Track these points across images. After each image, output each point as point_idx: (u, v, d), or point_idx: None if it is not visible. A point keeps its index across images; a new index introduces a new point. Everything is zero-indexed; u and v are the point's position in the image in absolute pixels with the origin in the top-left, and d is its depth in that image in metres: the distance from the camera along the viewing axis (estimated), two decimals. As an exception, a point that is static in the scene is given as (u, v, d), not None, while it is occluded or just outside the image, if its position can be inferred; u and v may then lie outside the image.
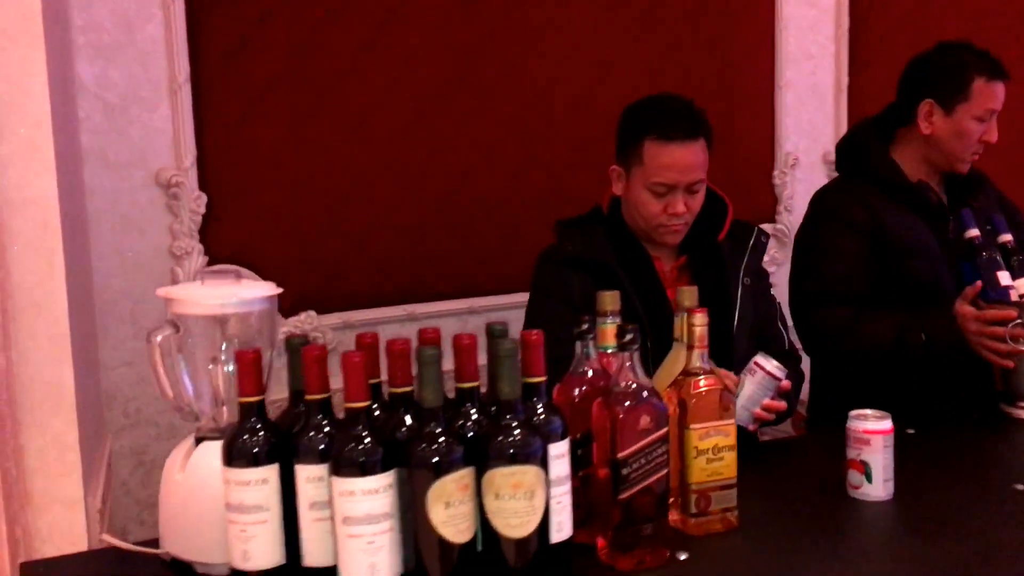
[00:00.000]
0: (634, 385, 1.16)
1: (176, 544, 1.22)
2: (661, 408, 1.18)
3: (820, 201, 2.15)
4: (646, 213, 1.79)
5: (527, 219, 2.67)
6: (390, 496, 1.01)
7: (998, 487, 1.47)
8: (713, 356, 1.41)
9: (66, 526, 1.51)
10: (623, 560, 1.17)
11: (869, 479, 1.38)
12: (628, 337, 1.17)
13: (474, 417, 1.07)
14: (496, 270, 2.64)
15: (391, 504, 1.01)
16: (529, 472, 1.02)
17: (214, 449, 1.20)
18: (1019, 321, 1.73)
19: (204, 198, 2.23)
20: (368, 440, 1.01)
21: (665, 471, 1.19)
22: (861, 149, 2.10)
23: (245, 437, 1.07)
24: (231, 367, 1.22)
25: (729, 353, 1.76)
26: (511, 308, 2.62)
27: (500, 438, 1.02)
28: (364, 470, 1.00)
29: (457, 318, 2.58)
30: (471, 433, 1.05)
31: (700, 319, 1.29)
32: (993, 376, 1.89)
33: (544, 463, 1.03)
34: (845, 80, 3.11)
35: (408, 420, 1.06)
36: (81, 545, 1.52)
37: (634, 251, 1.84)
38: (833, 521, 1.36)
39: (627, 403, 1.15)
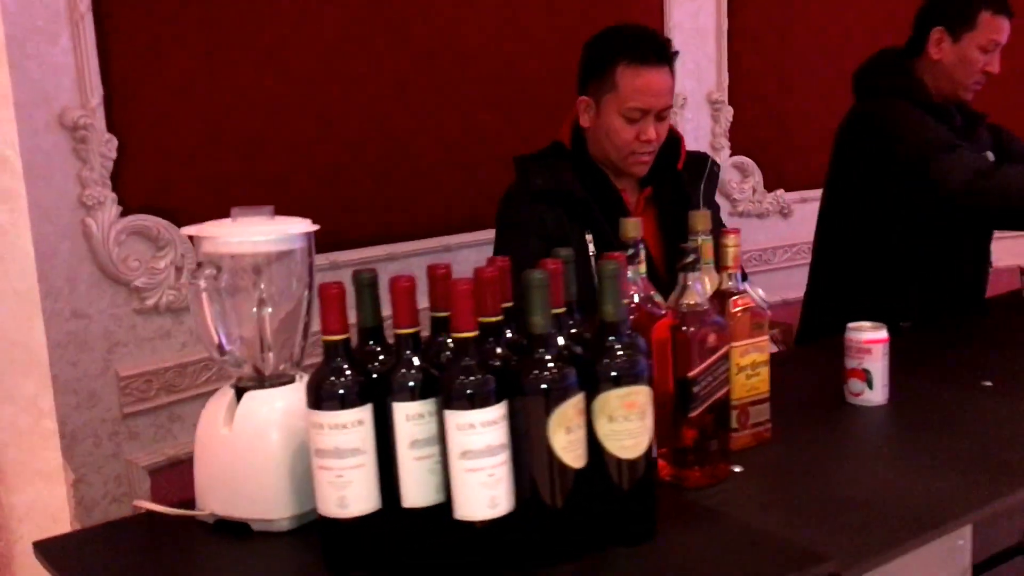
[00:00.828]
0: (699, 304, 1.18)
1: (225, 503, 1.13)
2: (723, 326, 1.21)
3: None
4: (619, 141, 1.80)
5: (449, 159, 2.63)
6: (506, 426, 0.98)
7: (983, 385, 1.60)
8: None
9: (45, 503, 1.36)
10: (693, 476, 1.19)
11: (870, 386, 1.48)
12: (691, 258, 1.18)
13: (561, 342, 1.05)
14: (420, 213, 2.59)
15: (507, 434, 0.98)
16: (641, 392, 1.02)
17: (261, 398, 1.12)
18: None
19: (115, 141, 2.02)
20: (481, 370, 0.97)
21: (727, 387, 1.22)
22: (894, 70, 2.23)
23: (335, 377, 1.00)
24: (269, 310, 1.13)
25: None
26: (429, 252, 2.59)
27: (608, 360, 1.01)
28: (481, 402, 0.96)
29: (389, 263, 2.52)
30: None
31: (733, 239, 1.32)
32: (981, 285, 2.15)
33: (650, 381, 1.03)
34: (725, 23, 3.23)
35: (499, 349, 1.03)
36: (63, 524, 1.38)
37: (602, 184, 1.86)
38: (845, 426, 1.45)
39: (696, 323, 1.17)
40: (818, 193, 2.44)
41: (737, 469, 1.25)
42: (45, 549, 1.13)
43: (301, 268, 1.15)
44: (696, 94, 3.22)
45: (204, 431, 1.15)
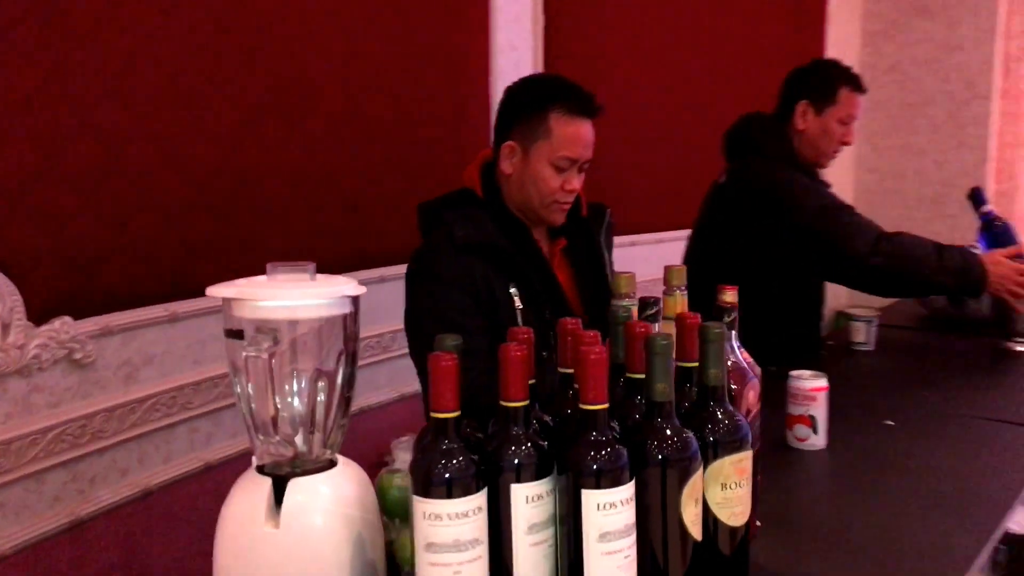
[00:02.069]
0: (741, 362, 1.19)
1: (267, 613, 0.96)
2: (758, 384, 1.23)
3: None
4: (545, 188, 1.77)
5: (295, 197, 2.46)
6: (633, 503, 0.92)
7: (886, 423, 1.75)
8: (599, 325, 1.54)
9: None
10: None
11: (815, 431, 1.57)
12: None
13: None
14: (265, 255, 2.38)
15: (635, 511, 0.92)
16: (748, 457, 1.01)
17: (311, 487, 0.98)
18: None
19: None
20: (614, 445, 0.91)
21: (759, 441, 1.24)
22: (774, 134, 2.41)
23: (452, 460, 0.89)
24: (322, 383, 0.98)
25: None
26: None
27: (718, 426, 0.99)
28: (620, 479, 0.90)
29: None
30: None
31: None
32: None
33: (753, 444, 1.03)
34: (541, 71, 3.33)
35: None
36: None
37: (521, 235, 1.83)
38: (806, 470, 1.52)
39: (740, 381, 1.18)
40: (633, 238, 2.58)
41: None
42: None
43: (352, 333, 1.01)
44: (517, 141, 3.28)
45: (236, 530, 0.97)
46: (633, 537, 0.91)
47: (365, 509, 1.00)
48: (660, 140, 3.77)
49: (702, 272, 2.39)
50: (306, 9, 2.48)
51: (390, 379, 2.84)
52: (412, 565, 0.97)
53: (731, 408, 1.01)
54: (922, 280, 2.24)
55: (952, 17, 4.28)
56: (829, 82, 2.41)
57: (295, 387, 0.97)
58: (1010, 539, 2.22)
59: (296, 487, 0.96)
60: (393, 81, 2.76)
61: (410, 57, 2.80)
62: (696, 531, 0.95)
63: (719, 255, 2.44)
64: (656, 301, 1.19)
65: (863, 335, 2.45)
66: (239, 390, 0.95)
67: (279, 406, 0.95)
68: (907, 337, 2.69)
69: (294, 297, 0.93)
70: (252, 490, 0.98)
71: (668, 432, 0.93)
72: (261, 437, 0.96)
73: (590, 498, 0.89)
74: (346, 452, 2.70)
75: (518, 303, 1.75)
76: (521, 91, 1.83)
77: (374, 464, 2.76)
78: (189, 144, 2.20)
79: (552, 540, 0.92)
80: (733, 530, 1.00)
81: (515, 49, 3.21)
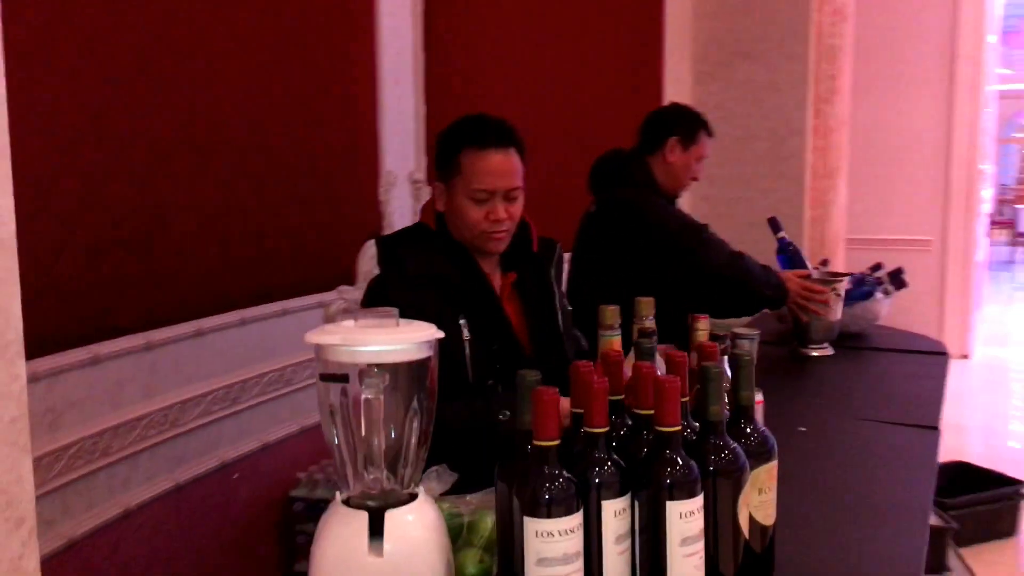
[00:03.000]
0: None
1: (374, 637, 1.02)
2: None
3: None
4: (469, 221, 1.84)
5: (211, 233, 2.44)
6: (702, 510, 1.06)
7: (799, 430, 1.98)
8: (547, 359, 1.77)
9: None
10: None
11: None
12: (653, 340, 1.35)
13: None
14: (177, 293, 2.35)
15: (701, 517, 1.07)
16: (775, 464, 1.17)
17: (412, 517, 1.06)
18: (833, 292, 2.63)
19: None
20: (688, 461, 1.05)
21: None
22: (639, 167, 2.72)
23: (558, 483, 0.99)
24: (416, 420, 1.06)
25: (562, 355, 1.97)
26: (183, 339, 2.36)
27: (754, 439, 1.15)
28: (694, 490, 1.04)
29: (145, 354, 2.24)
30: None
31: (704, 323, 1.52)
32: None
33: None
34: (423, 107, 3.43)
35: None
36: None
37: (470, 268, 1.92)
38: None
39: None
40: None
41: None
42: None
43: (430, 373, 1.09)
44: (401, 174, 3.36)
45: (336, 556, 1.02)
46: (703, 540, 1.05)
47: (443, 535, 1.09)
48: (528, 171, 3.96)
49: (584, 296, 2.61)
50: (214, 47, 2.47)
51: (292, 412, 2.84)
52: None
53: (758, 423, 1.17)
54: (757, 294, 2.64)
55: (770, 62, 4.77)
56: (694, 125, 2.79)
57: (390, 424, 1.04)
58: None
59: (393, 519, 1.03)
60: (293, 116, 2.79)
61: (307, 92, 2.84)
62: (746, 531, 1.10)
63: (599, 280, 2.67)
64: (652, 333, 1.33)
65: (747, 351, 2.73)
66: (336, 430, 1.01)
67: (381, 443, 1.02)
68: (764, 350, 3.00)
69: (403, 341, 1.00)
70: (347, 523, 1.04)
71: (723, 447, 1.08)
72: (360, 473, 1.03)
73: (673, 508, 1.02)
74: (253, 487, 2.67)
75: (466, 334, 1.83)
76: (441, 135, 1.93)
77: (281, 499, 2.76)
78: (107, 183, 2.15)
79: (630, 548, 1.05)
80: (765, 529, 1.16)
81: (399, 84, 3.30)
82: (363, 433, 1.00)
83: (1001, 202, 16.68)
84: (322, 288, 2.97)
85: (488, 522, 1.21)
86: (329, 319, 2.98)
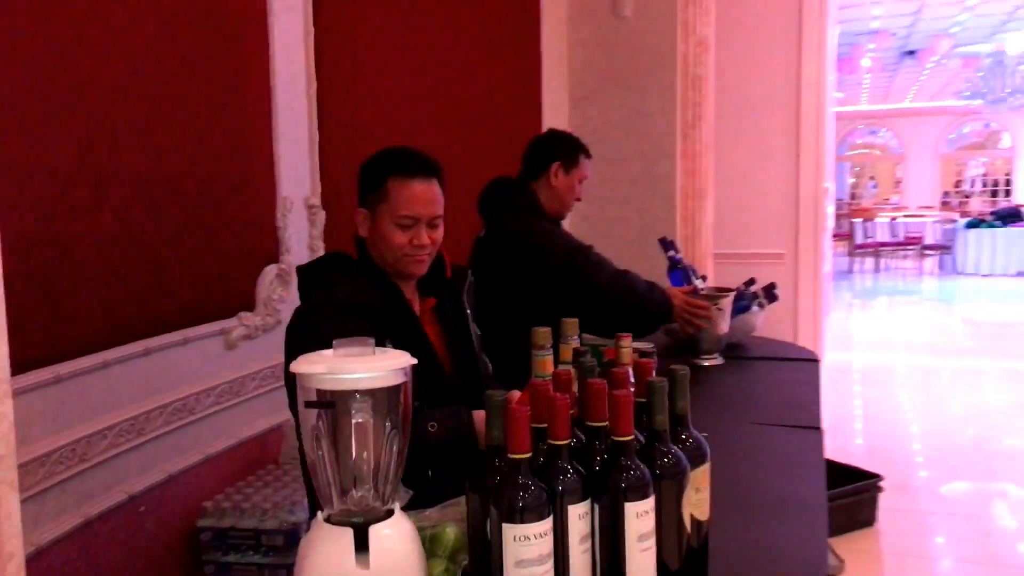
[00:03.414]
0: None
1: (363, 647, 1.09)
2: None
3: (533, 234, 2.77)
4: (393, 245, 1.92)
5: (110, 262, 2.42)
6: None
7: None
8: (465, 378, 1.92)
9: None
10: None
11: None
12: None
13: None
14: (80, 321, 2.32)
15: (649, 516, 1.19)
16: (708, 466, 1.31)
17: (394, 531, 1.14)
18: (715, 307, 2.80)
19: None
20: (640, 467, 1.17)
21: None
22: (524, 193, 2.86)
23: (531, 492, 1.10)
24: (396, 440, 1.14)
25: (477, 374, 2.08)
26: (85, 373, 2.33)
27: (691, 444, 1.29)
28: (648, 492, 1.16)
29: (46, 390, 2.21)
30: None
31: (627, 341, 1.66)
32: None
33: (706, 460, 1.34)
34: (316, 134, 3.47)
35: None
36: None
37: (393, 294, 1.99)
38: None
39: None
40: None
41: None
42: None
43: (407, 396, 1.17)
44: (297, 199, 3.38)
45: (324, 571, 1.09)
46: (655, 536, 1.18)
47: (419, 546, 1.17)
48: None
49: (483, 319, 2.72)
50: (113, 77, 2.45)
51: (195, 441, 2.83)
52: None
53: (693, 430, 1.31)
54: (644, 310, 2.81)
55: (642, 88, 5.03)
56: (574, 149, 2.96)
57: (371, 446, 1.11)
58: None
59: (377, 533, 1.11)
60: (190, 145, 2.79)
61: (203, 121, 2.85)
62: (689, 527, 1.23)
63: (492, 302, 2.78)
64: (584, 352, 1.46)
65: (681, 367, 2.92)
66: (320, 454, 1.08)
67: (370, 463, 1.09)
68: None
69: (383, 368, 1.08)
70: (334, 540, 1.11)
71: (667, 453, 1.22)
72: (343, 492, 1.10)
73: (630, 509, 1.14)
74: (160, 518, 2.64)
75: None
76: (366, 164, 1.99)
77: (187, 529, 2.73)
78: (8, 214, 2.11)
79: (591, 547, 1.16)
80: (701, 524, 1.30)
81: (292, 111, 3.34)
82: (353, 455, 1.07)
83: (839, 216, 17.91)
84: (223, 315, 2.97)
85: (450, 533, 1.29)
86: (231, 346, 2.98)
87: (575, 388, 1.34)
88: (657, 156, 5.01)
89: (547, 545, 1.10)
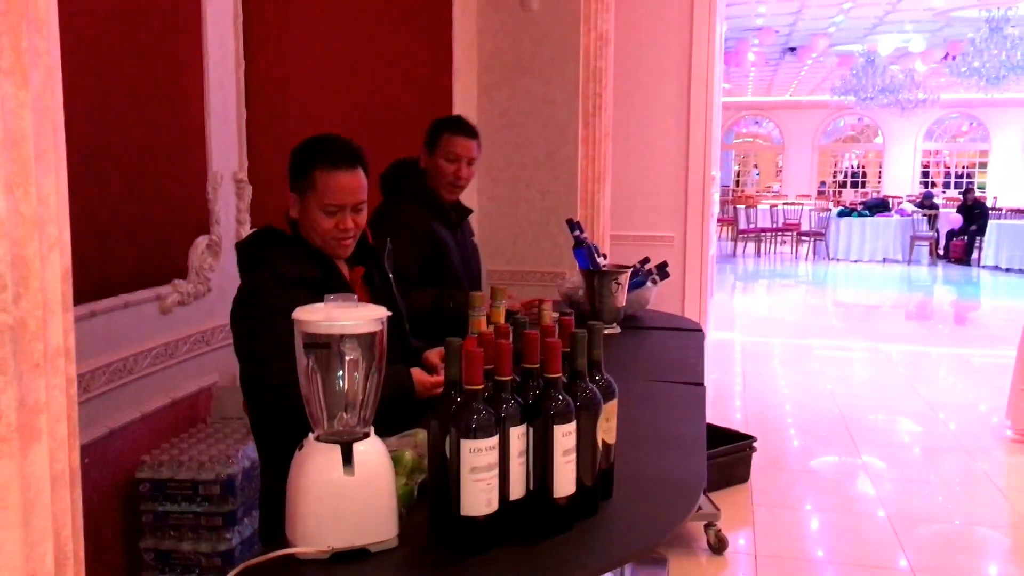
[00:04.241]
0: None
1: (345, 536, 1.38)
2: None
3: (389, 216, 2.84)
4: (320, 230, 2.12)
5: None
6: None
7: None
8: (395, 337, 2.13)
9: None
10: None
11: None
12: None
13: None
14: None
15: (574, 437, 1.52)
16: (616, 402, 1.64)
17: (374, 447, 1.43)
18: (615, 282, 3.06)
19: None
20: (566, 397, 1.49)
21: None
22: (412, 175, 3.01)
23: (485, 415, 1.40)
24: (374, 378, 1.43)
25: (404, 334, 2.35)
26: None
27: (604, 385, 1.62)
28: (571, 418, 1.48)
29: None
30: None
31: (548, 306, 1.97)
32: None
33: (612, 397, 1.67)
34: (244, 111, 3.65)
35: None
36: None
37: (329, 267, 2.22)
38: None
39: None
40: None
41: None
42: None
43: (383, 339, 1.45)
44: (226, 174, 3.57)
45: (314, 479, 1.37)
46: (575, 452, 1.50)
47: (389, 460, 1.46)
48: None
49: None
50: (67, 52, 2.60)
51: (135, 398, 3.02)
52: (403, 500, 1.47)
53: (605, 373, 1.64)
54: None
55: (546, 76, 5.36)
56: (434, 132, 3.08)
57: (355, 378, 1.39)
58: None
59: (359, 449, 1.39)
60: (131, 119, 2.96)
61: (143, 96, 3.02)
62: (601, 447, 1.56)
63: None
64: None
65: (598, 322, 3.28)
66: (314, 386, 1.35)
67: (358, 393, 1.37)
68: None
69: (367, 317, 1.36)
70: (324, 453, 1.38)
71: (586, 388, 1.54)
72: (333, 417, 1.38)
73: (557, 430, 1.46)
74: (101, 471, 2.84)
75: None
76: (295, 151, 2.17)
77: (126, 481, 2.93)
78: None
79: (526, 460, 1.47)
80: (609, 447, 1.63)
81: (222, 89, 3.52)
82: (345, 386, 1.35)
83: (724, 203, 18.76)
84: (158, 282, 3.15)
85: (408, 456, 1.59)
86: (165, 311, 3.17)
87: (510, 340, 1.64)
88: (560, 142, 5.36)
89: (494, 456, 1.40)
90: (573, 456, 1.49)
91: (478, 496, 1.40)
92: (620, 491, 1.67)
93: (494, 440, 1.40)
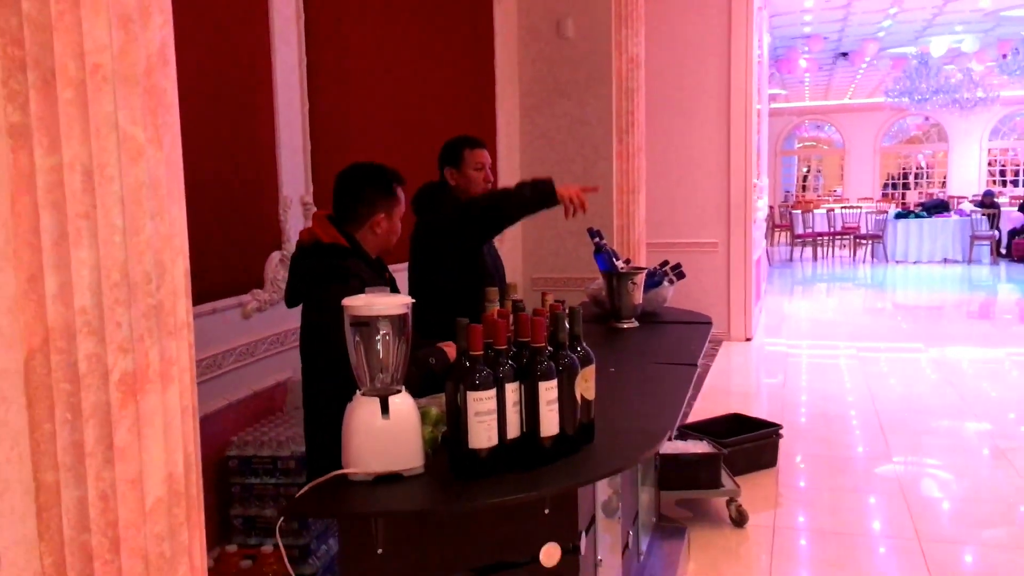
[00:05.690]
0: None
1: (384, 463, 1.87)
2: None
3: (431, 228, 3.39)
4: (395, 238, 2.77)
5: None
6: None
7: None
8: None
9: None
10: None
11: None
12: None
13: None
14: None
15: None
16: (594, 366, 2.11)
17: (404, 399, 1.92)
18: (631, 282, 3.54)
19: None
20: (549, 361, 1.97)
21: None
22: (435, 196, 3.50)
23: (486, 374, 1.88)
24: (402, 348, 1.93)
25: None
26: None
27: (582, 353, 2.08)
28: (551, 376, 1.96)
29: None
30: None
31: (550, 297, 2.44)
32: None
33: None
34: (309, 144, 4.21)
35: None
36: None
37: (379, 270, 2.77)
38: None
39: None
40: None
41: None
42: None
43: (408, 323, 1.95)
44: (294, 198, 4.13)
45: (361, 422, 1.87)
46: (557, 403, 1.97)
47: (416, 411, 1.95)
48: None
49: (420, 294, 3.44)
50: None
51: (223, 390, 3.58)
52: (429, 443, 1.96)
53: (584, 344, 2.11)
54: (509, 203, 3.29)
55: (582, 99, 5.84)
56: (455, 149, 3.54)
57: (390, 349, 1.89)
58: (662, 457, 3.62)
59: (398, 400, 1.89)
60: (215, 154, 3.52)
61: (224, 134, 3.58)
62: (580, 401, 2.03)
63: (427, 281, 3.49)
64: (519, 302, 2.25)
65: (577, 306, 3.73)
66: (360, 355, 1.86)
67: (393, 359, 1.87)
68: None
69: (398, 303, 1.86)
70: (368, 404, 1.88)
71: (565, 356, 2.01)
72: (374, 378, 1.87)
73: (542, 386, 1.94)
74: (200, 448, 3.38)
75: None
76: (360, 177, 2.77)
77: (216, 458, 3.49)
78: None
79: (519, 409, 1.95)
80: (589, 402, 2.10)
81: (290, 124, 4.09)
82: (381, 354, 1.85)
83: (785, 208, 18.89)
84: (240, 291, 3.72)
85: (434, 411, 2.08)
86: (246, 316, 3.73)
87: (511, 322, 2.12)
88: (596, 158, 5.83)
89: (493, 404, 1.88)
90: (556, 406, 1.97)
91: (481, 433, 1.88)
92: (601, 437, 2.14)
93: (492, 392, 1.89)
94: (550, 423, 1.96)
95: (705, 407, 5.83)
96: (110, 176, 1.33)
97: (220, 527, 3.51)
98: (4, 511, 1.25)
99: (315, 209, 4.25)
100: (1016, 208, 15.62)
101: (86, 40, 1.29)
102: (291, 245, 4.05)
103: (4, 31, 1.22)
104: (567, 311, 2.08)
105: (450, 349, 2.61)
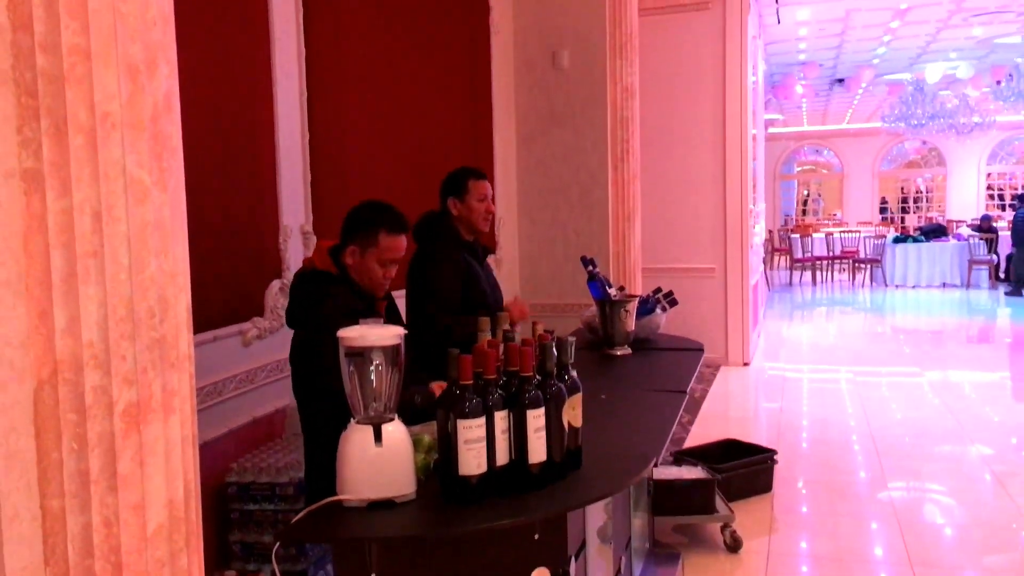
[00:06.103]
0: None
1: (377, 490, 1.94)
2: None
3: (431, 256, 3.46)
4: (374, 275, 2.77)
5: None
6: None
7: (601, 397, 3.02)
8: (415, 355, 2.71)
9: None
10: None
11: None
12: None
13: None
14: None
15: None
16: (580, 394, 2.18)
17: (397, 427, 1.99)
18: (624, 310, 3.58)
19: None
20: (536, 390, 2.04)
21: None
22: (441, 223, 3.56)
23: (476, 402, 1.95)
24: (395, 377, 2.00)
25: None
26: None
27: (570, 382, 2.16)
28: (539, 405, 2.03)
29: None
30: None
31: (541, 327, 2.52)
32: None
33: (579, 390, 2.20)
34: (309, 175, 4.30)
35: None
36: None
37: (369, 302, 2.84)
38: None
39: (560, 366, 2.36)
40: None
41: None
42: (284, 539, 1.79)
43: (402, 354, 2.02)
44: (294, 227, 4.21)
45: (355, 450, 1.93)
46: (544, 431, 2.04)
47: (409, 439, 2.01)
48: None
49: (417, 318, 3.51)
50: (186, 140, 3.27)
51: (222, 418, 3.64)
52: (421, 470, 2.03)
53: (572, 373, 2.18)
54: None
55: (577, 127, 5.95)
56: (458, 180, 3.63)
57: (383, 379, 1.96)
58: (656, 483, 3.67)
59: (391, 428, 1.96)
60: (215, 183, 3.61)
61: (225, 163, 3.66)
62: (567, 429, 2.10)
63: (416, 308, 3.58)
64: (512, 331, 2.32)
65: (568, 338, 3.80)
66: (355, 384, 1.93)
67: (385, 389, 1.95)
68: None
69: (392, 334, 1.93)
70: (362, 432, 1.95)
71: (553, 385, 2.08)
72: (367, 407, 1.94)
73: (530, 414, 2.00)
74: (199, 474, 3.44)
75: None
76: (361, 213, 2.82)
77: (215, 485, 3.55)
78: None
79: (508, 436, 2.02)
80: (576, 429, 2.17)
81: (291, 156, 4.18)
82: (375, 384, 1.92)
83: (785, 232, 18.99)
84: (240, 319, 3.79)
85: (426, 438, 2.15)
86: (246, 344, 3.81)
87: (501, 352, 2.20)
88: (592, 185, 5.93)
89: (482, 432, 1.95)
90: (543, 433, 2.04)
91: (471, 460, 1.95)
92: (589, 463, 2.20)
93: (481, 420, 1.96)
94: (538, 450, 2.03)
95: (702, 432, 5.88)
96: (117, 217, 1.40)
97: (219, 552, 3.56)
98: (13, 537, 1.31)
99: (315, 238, 4.33)
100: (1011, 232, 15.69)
101: (96, 91, 1.37)
102: (291, 273, 4.13)
103: (19, 83, 1.30)
104: (555, 341, 2.16)
105: (439, 390, 2.68)
